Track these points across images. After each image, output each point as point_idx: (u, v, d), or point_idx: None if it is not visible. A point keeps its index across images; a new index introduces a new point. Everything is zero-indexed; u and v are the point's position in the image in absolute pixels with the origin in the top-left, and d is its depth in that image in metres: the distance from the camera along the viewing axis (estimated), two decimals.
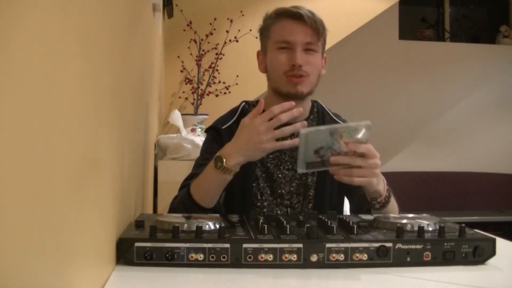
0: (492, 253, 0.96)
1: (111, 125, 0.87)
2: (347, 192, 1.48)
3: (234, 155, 1.19)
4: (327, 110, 1.52)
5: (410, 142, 4.60)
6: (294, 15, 1.36)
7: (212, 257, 0.89)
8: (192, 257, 0.89)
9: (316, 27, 1.36)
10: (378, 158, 1.17)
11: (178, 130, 2.72)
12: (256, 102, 1.50)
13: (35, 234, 0.49)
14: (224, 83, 3.37)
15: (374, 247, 0.92)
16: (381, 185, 1.24)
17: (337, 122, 1.50)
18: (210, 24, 3.38)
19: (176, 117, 2.70)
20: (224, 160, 1.19)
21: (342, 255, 0.91)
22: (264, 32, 1.43)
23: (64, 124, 0.58)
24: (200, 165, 1.43)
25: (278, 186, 1.42)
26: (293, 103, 1.18)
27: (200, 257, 0.89)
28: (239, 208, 1.29)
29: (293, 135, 1.25)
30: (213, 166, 1.20)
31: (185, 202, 1.26)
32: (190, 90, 3.37)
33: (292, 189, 1.43)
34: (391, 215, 1.20)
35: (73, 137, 0.62)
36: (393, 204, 1.33)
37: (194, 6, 3.49)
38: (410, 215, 1.13)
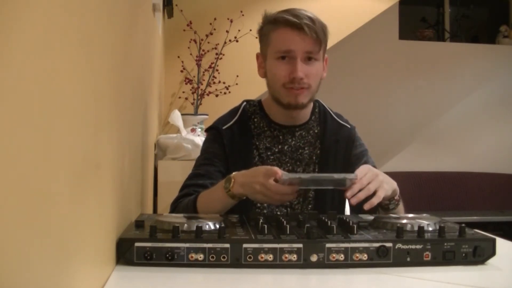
0: (492, 253, 0.96)
1: (111, 125, 0.87)
2: None
3: (241, 185, 1.19)
4: (329, 110, 1.52)
5: (410, 142, 4.60)
6: (294, 26, 1.31)
7: (212, 257, 0.89)
8: (192, 257, 0.89)
9: (317, 37, 1.32)
10: (368, 172, 1.18)
11: (178, 130, 2.71)
12: (258, 101, 1.50)
13: (35, 234, 0.49)
14: (224, 83, 3.37)
15: (374, 247, 0.92)
16: (395, 184, 1.26)
17: (338, 122, 1.50)
18: (210, 24, 3.38)
19: (176, 117, 2.70)
20: (232, 184, 1.20)
21: (342, 255, 0.91)
22: (264, 37, 1.40)
23: (64, 124, 0.58)
24: (200, 164, 1.43)
25: None
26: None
27: (200, 257, 0.89)
28: (239, 208, 1.29)
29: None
30: (222, 185, 1.22)
31: (188, 212, 1.28)
32: (190, 90, 3.37)
33: None
34: (391, 215, 1.20)
35: (73, 137, 0.62)
36: (401, 204, 1.35)
37: (194, 6, 3.49)
38: (410, 215, 1.13)
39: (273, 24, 1.36)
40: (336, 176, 1.12)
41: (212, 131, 1.46)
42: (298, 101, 1.35)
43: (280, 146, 1.43)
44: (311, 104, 1.47)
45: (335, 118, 1.50)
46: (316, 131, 1.47)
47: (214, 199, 1.25)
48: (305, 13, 1.34)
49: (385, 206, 1.29)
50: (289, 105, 1.37)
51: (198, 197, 1.29)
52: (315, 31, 1.31)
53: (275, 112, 1.44)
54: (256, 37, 1.46)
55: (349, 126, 1.51)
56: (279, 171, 1.13)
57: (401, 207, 1.34)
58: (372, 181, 1.16)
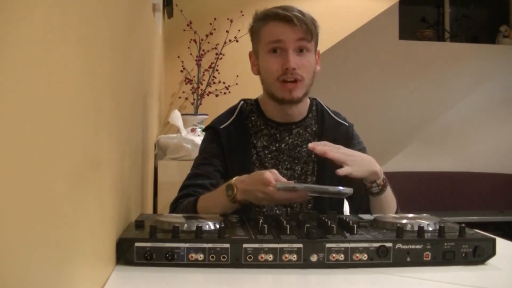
0: (492, 253, 0.96)
1: (111, 125, 0.87)
2: None
3: (244, 193, 1.19)
4: (326, 108, 1.51)
5: (410, 142, 4.60)
6: (284, 18, 1.32)
7: (212, 257, 0.89)
8: (192, 257, 0.89)
9: (307, 28, 1.33)
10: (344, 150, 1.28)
11: (178, 130, 2.72)
12: (255, 100, 1.50)
13: (35, 233, 0.49)
14: (224, 83, 3.37)
15: (374, 247, 0.92)
16: (377, 167, 1.28)
17: (336, 121, 1.50)
18: (210, 24, 3.38)
19: (176, 117, 2.70)
20: (235, 191, 1.19)
21: (342, 255, 0.91)
22: (254, 35, 1.41)
23: (64, 124, 0.58)
24: (199, 164, 1.43)
25: None
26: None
27: (200, 257, 0.89)
28: (239, 208, 1.29)
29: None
30: (224, 191, 1.21)
31: (187, 213, 1.27)
32: (190, 90, 3.37)
33: None
34: (391, 215, 1.20)
35: (73, 137, 0.62)
36: (389, 191, 1.34)
37: (194, 6, 3.49)
38: (410, 215, 1.13)
39: (263, 20, 1.38)
40: (331, 189, 1.13)
41: (210, 131, 1.46)
42: (293, 95, 1.35)
43: (277, 145, 1.43)
44: (307, 100, 1.47)
45: (333, 116, 1.50)
46: (314, 129, 1.47)
47: (216, 204, 1.24)
48: (294, 7, 1.35)
49: (368, 189, 1.30)
50: (283, 100, 1.37)
51: (198, 200, 1.28)
52: (305, 22, 1.32)
53: (271, 109, 1.44)
54: None
55: (347, 124, 1.50)
56: (272, 181, 1.13)
57: (389, 193, 1.33)
58: (340, 152, 1.24)
